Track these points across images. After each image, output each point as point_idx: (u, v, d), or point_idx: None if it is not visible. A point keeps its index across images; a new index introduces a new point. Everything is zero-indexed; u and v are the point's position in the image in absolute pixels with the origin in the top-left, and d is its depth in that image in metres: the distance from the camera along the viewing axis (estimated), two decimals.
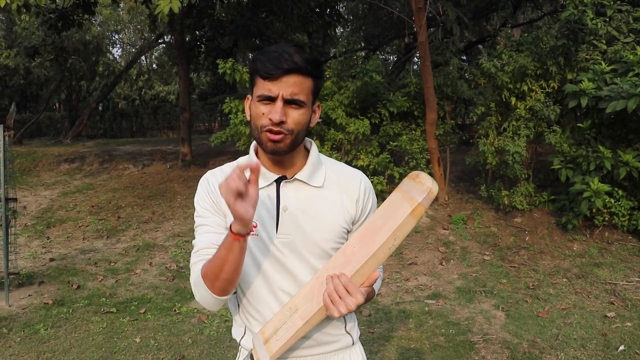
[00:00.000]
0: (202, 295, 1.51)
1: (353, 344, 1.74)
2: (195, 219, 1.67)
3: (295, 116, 1.50)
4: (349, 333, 1.72)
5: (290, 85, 1.46)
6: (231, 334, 1.78)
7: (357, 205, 1.66)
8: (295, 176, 1.61)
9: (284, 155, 1.55)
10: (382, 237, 1.43)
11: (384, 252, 1.44)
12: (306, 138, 1.66)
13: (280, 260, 1.59)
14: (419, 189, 1.43)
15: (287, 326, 1.47)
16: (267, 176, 1.60)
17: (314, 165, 1.64)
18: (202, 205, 1.65)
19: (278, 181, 1.61)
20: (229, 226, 1.39)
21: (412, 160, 8.65)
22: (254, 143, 1.68)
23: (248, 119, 1.59)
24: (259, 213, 1.58)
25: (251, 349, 1.57)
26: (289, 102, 1.48)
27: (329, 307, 1.40)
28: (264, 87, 1.48)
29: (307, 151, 1.68)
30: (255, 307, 1.64)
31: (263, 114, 1.49)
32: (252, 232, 1.56)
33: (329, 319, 1.57)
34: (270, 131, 1.48)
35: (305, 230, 1.59)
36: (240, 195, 1.30)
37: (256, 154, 1.66)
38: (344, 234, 1.64)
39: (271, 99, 1.47)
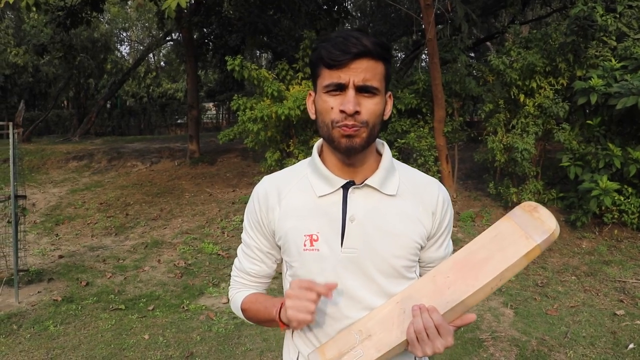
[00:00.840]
0: (238, 314, 1.59)
1: None
2: (243, 227, 1.60)
3: (369, 106, 1.32)
4: None
5: (362, 71, 1.29)
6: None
7: (434, 218, 1.46)
8: (366, 182, 1.41)
9: (359, 152, 1.36)
10: (487, 275, 1.25)
11: (485, 292, 1.26)
12: (378, 140, 1.48)
13: (343, 278, 1.40)
14: (538, 227, 1.25)
15: (356, 353, 1.28)
16: (333, 181, 1.42)
17: (387, 171, 1.44)
18: (249, 221, 1.55)
19: (345, 187, 1.42)
20: (281, 305, 1.36)
21: (420, 157, 8.63)
22: (317, 143, 1.51)
23: (313, 116, 1.43)
24: (322, 223, 1.41)
25: None
26: (361, 90, 1.30)
27: (413, 344, 1.24)
28: (331, 76, 1.31)
29: (379, 155, 1.48)
30: (313, 332, 1.45)
31: (332, 107, 1.32)
32: (312, 247, 1.41)
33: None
34: (345, 125, 1.30)
35: (375, 245, 1.39)
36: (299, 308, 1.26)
37: (319, 154, 1.48)
38: (417, 251, 1.45)
39: (341, 88, 1.30)
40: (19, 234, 5.86)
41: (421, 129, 9.02)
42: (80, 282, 6.38)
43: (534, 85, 7.92)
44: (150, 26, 30.01)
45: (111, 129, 28.47)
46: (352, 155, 1.37)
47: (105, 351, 4.54)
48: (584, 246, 6.92)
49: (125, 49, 40.02)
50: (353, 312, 1.40)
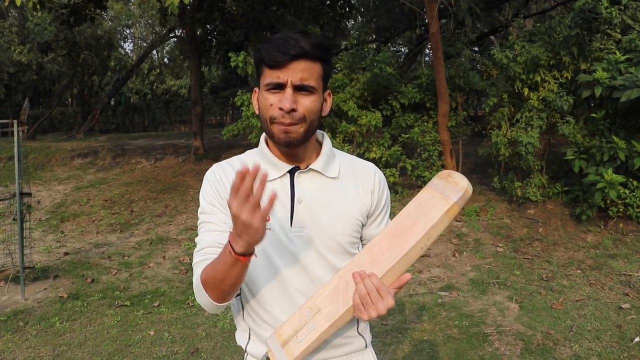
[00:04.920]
0: (202, 300, 1.42)
1: (366, 347, 1.64)
2: (199, 215, 1.56)
3: (306, 103, 1.42)
4: (361, 335, 1.62)
5: (299, 71, 1.40)
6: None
7: (373, 197, 1.59)
8: (310, 166, 1.53)
9: (298, 146, 1.47)
10: (415, 236, 1.36)
11: (416, 252, 1.37)
12: (318, 130, 1.59)
13: (294, 255, 1.49)
14: (453, 188, 1.38)
15: (309, 327, 1.38)
16: (280, 167, 1.52)
17: (328, 156, 1.57)
18: (207, 200, 1.54)
19: (292, 172, 1.53)
20: (229, 243, 1.25)
21: (424, 152, 8.62)
22: (264, 134, 1.60)
23: (256, 112, 1.52)
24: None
25: (266, 352, 1.47)
26: (298, 89, 1.41)
27: (359, 309, 1.32)
28: (271, 75, 1.41)
29: (320, 144, 1.60)
30: (265, 309, 1.53)
31: (272, 104, 1.42)
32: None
33: None
34: (282, 123, 1.41)
35: (321, 223, 1.50)
36: (253, 205, 1.16)
37: (267, 144, 1.57)
38: (359, 228, 1.57)
39: (280, 86, 1.41)
40: (24, 231, 5.89)
41: (425, 123, 9.00)
42: (86, 279, 6.40)
43: (538, 78, 7.89)
44: (154, 23, 30.01)
45: (115, 126, 28.53)
46: (291, 148, 1.47)
47: (111, 347, 4.56)
48: (589, 240, 6.90)
49: (128, 46, 39.98)
50: (303, 286, 1.50)
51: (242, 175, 1.14)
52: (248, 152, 1.66)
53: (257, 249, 1.33)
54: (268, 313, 1.52)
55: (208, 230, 1.51)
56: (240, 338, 1.62)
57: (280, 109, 1.40)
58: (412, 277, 1.43)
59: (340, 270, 1.43)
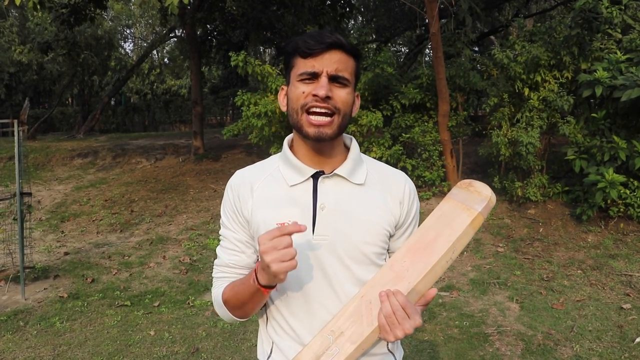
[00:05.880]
0: (222, 314, 1.51)
1: None
2: (220, 223, 1.58)
3: (341, 94, 1.37)
4: (391, 352, 1.54)
5: (335, 62, 1.35)
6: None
7: (402, 207, 1.50)
8: (335, 171, 1.44)
9: (328, 141, 1.40)
10: (440, 250, 1.30)
11: (442, 266, 1.31)
12: (345, 134, 1.52)
13: (316, 264, 1.42)
14: (476, 198, 1.33)
15: (332, 352, 1.29)
16: (304, 171, 1.44)
17: (355, 162, 1.48)
18: (226, 214, 1.54)
19: (315, 177, 1.45)
20: (255, 272, 1.31)
21: (424, 152, 8.61)
22: (288, 137, 1.54)
23: (283, 108, 1.47)
24: (293, 212, 1.42)
25: None
26: (333, 79, 1.36)
27: (385, 330, 1.25)
28: (305, 65, 1.36)
29: (347, 148, 1.52)
30: (287, 320, 1.47)
31: (304, 92, 1.36)
32: None
33: None
34: (314, 110, 1.36)
35: (345, 232, 1.42)
36: (278, 256, 1.21)
37: (290, 148, 1.50)
38: (387, 238, 1.48)
39: (314, 76, 1.35)
40: (24, 231, 5.88)
41: (425, 123, 9.00)
42: (86, 279, 6.39)
43: (539, 78, 7.89)
44: (154, 23, 29.99)
45: (115, 125, 28.55)
46: (321, 143, 1.40)
47: (111, 347, 4.56)
48: (589, 240, 6.89)
49: (128, 45, 39.94)
50: (325, 298, 1.43)
51: (282, 231, 1.22)
52: (272, 156, 1.58)
53: None
54: (289, 326, 1.47)
55: (225, 247, 1.56)
56: (261, 351, 1.57)
57: (315, 95, 1.35)
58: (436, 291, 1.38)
59: (362, 289, 1.36)
